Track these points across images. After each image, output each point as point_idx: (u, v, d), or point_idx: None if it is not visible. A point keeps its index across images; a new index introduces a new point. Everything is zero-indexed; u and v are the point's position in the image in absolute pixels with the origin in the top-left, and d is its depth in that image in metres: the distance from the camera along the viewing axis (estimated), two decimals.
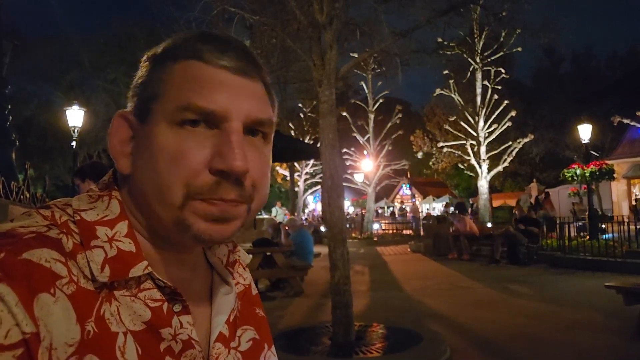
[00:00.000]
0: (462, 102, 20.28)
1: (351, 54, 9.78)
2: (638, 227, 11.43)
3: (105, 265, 0.57)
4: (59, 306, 0.52)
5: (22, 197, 5.68)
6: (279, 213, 20.84)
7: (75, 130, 14.38)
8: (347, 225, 21.73)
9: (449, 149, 23.05)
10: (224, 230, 0.61)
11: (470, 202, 27.10)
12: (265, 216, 19.39)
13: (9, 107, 7.55)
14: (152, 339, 0.59)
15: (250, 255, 0.84)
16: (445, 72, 20.19)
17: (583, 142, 16.96)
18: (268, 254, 8.67)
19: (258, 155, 0.63)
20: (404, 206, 37.17)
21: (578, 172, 16.65)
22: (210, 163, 0.59)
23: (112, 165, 0.68)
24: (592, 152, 20.78)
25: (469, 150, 19.89)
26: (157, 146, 0.59)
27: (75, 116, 14.51)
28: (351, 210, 35.18)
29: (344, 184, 6.45)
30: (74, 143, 14.58)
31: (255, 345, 0.75)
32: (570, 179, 17.27)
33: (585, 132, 16.63)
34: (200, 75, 0.60)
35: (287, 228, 10.58)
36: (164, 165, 0.59)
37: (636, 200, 18.64)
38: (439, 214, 25.52)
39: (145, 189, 0.61)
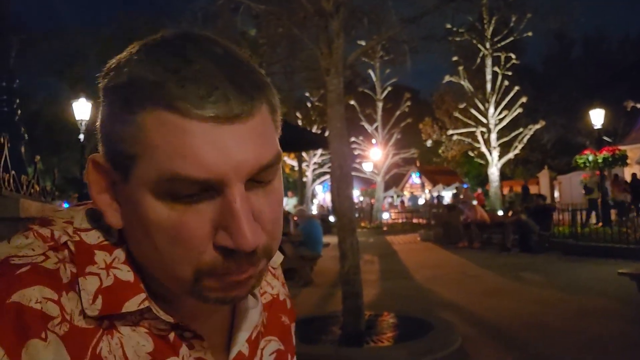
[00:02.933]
0: (471, 89, 20.10)
1: (358, 42, 9.69)
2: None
3: (98, 296, 0.52)
4: (51, 350, 0.48)
5: (32, 190, 5.70)
6: (289, 203, 20.84)
7: (83, 123, 14.45)
8: (356, 215, 21.70)
9: (459, 137, 22.88)
10: (243, 292, 0.55)
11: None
12: None
13: (17, 101, 7.57)
14: None
15: (282, 256, 0.74)
16: (455, 58, 20.01)
17: (595, 127, 16.77)
18: None
19: (267, 199, 0.53)
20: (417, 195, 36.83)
21: (590, 158, 16.45)
22: (214, 237, 0.50)
23: None
24: (605, 138, 20.50)
25: (479, 137, 19.75)
26: (150, 222, 0.50)
27: (82, 109, 14.57)
28: (361, 199, 35.10)
29: (353, 173, 6.42)
30: (81, 136, 14.66)
31: (279, 356, 0.70)
32: (582, 165, 17.08)
33: (597, 117, 16.43)
34: (179, 133, 0.48)
35: (295, 219, 10.57)
36: (164, 244, 0.50)
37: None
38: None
39: (147, 259, 0.54)
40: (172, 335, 0.56)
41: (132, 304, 0.53)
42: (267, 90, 0.53)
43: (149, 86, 0.48)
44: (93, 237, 0.55)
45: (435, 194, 32.57)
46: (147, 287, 0.55)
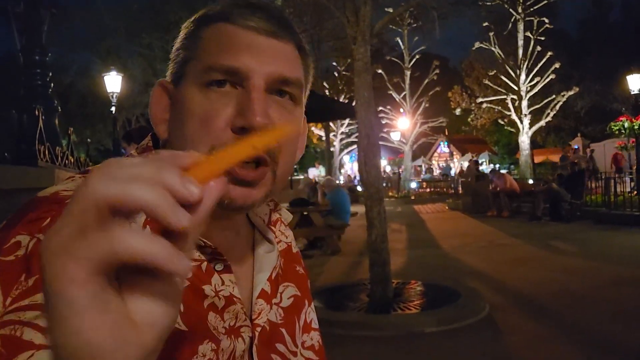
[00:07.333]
0: (502, 55, 19.56)
1: (386, 9, 9.52)
2: None
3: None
4: None
5: (66, 161, 5.88)
6: (320, 172, 20.91)
7: (114, 96, 14.66)
8: (384, 184, 21.63)
9: (489, 105, 22.41)
10: (249, 195, 0.61)
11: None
12: (302, 177, 19.54)
13: (50, 74, 7.72)
14: (194, 297, 0.62)
15: (291, 215, 0.86)
16: (485, 24, 19.44)
17: (632, 93, 16.21)
18: (305, 213, 8.76)
19: (285, 115, 0.64)
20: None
21: (626, 124, 15.92)
22: (232, 121, 0.60)
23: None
24: None
25: (510, 105, 19.30)
26: (186, 108, 0.62)
27: (113, 82, 14.76)
28: (388, 169, 34.90)
29: (380, 142, 6.38)
30: (113, 108, 14.88)
31: (296, 301, 0.78)
32: (617, 132, 16.56)
33: (635, 82, 15.87)
34: (227, 36, 0.62)
35: (323, 188, 10.64)
36: (191, 127, 0.61)
37: None
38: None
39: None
40: (204, 265, 0.63)
41: None
42: (299, 35, 0.67)
43: (216, 11, 0.65)
44: None
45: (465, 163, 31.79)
46: None
